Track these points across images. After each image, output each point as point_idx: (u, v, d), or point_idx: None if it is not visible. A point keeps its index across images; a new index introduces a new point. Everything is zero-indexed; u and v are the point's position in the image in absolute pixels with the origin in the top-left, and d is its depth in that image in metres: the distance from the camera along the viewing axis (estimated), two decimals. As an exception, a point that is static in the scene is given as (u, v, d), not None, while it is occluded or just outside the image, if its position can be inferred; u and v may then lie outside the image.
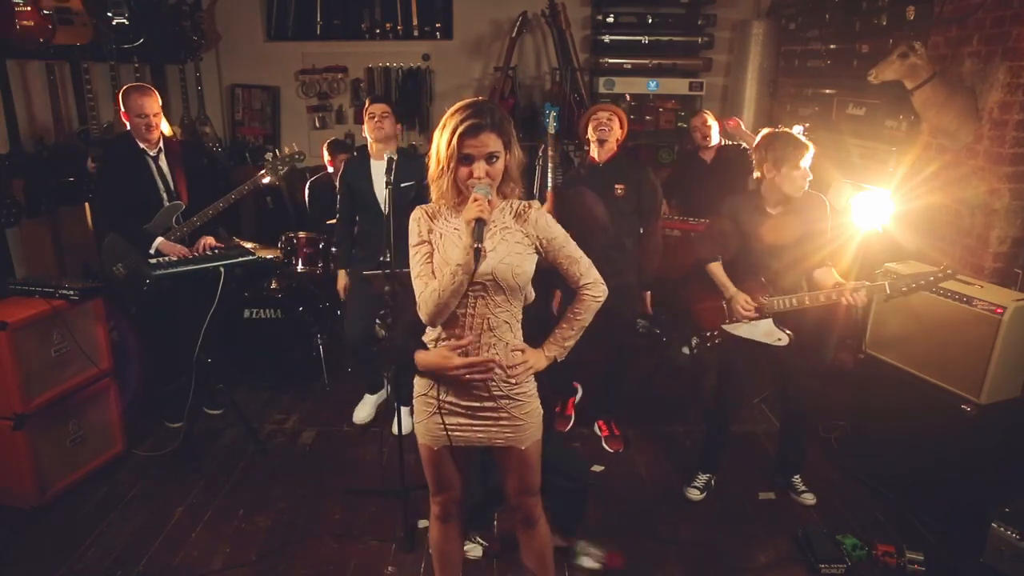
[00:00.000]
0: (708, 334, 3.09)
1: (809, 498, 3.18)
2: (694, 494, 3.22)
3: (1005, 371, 2.78)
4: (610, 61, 5.65)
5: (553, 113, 4.23)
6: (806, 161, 2.75)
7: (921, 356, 3.04)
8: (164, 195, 3.52)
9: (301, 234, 4.31)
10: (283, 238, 4.32)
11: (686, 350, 4.53)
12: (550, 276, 2.12)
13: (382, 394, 3.95)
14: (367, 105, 3.53)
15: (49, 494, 3.08)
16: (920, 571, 2.73)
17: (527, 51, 5.91)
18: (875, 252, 3.72)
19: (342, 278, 3.79)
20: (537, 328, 2.08)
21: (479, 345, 1.95)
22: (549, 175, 3.91)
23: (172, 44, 5.27)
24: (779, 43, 5.49)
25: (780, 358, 3.01)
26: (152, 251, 3.42)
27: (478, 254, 1.78)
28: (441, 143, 1.86)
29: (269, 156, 3.73)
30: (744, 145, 4.41)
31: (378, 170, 3.45)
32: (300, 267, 4.28)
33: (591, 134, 3.46)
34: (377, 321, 3.92)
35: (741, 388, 3.29)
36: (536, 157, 4.96)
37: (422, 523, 2.92)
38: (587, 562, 2.71)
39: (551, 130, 4.00)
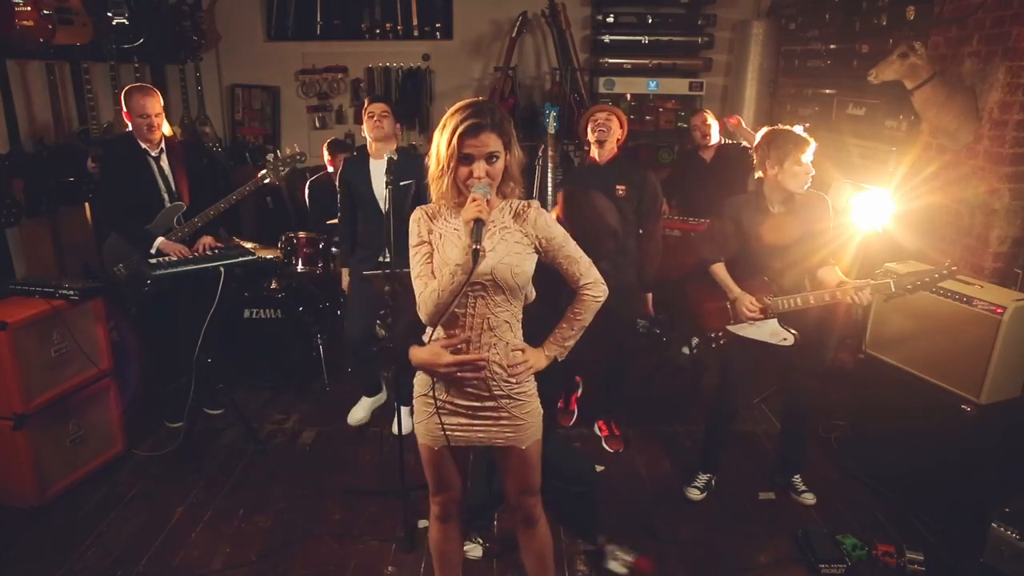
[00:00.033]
0: (713, 335, 3.08)
1: (809, 498, 3.18)
2: (694, 494, 3.22)
3: (1005, 371, 2.78)
4: (610, 61, 5.66)
5: (553, 113, 4.24)
6: (808, 156, 2.74)
7: (921, 356, 3.04)
8: (165, 196, 3.52)
9: (301, 234, 4.30)
10: (283, 238, 4.32)
11: (686, 350, 4.53)
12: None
13: (379, 398, 3.95)
14: (366, 104, 3.53)
15: (49, 494, 3.08)
16: (920, 571, 2.73)
17: (527, 51, 5.91)
18: (875, 252, 3.72)
19: (346, 276, 3.80)
20: (537, 328, 2.08)
21: (479, 345, 1.95)
22: (549, 175, 3.92)
23: (172, 44, 5.27)
24: (779, 43, 5.49)
25: (783, 358, 3.00)
26: (153, 251, 3.43)
27: (476, 255, 1.78)
28: (441, 143, 1.86)
29: (270, 157, 3.73)
30: (744, 143, 4.41)
31: (377, 169, 3.46)
32: (300, 267, 4.28)
33: (590, 135, 3.46)
34: (377, 321, 3.92)
35: (743, 389, 3.28)
36: (536, 157, 4.96)
37: (422, 523, 2.92)
38: (616, 567, 2.71)
39: (551, 130, 4.01)
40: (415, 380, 2.09)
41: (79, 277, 4.15)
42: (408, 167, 3.33)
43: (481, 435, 2.04)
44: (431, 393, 2.01)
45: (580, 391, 4.02)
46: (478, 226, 1.78)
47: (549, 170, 4.09)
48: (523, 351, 2.01)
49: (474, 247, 1.77)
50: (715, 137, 4.44)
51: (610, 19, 5.54)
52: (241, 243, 4.00)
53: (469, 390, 1.99)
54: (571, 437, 3.75)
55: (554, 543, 2.32)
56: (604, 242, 2.86)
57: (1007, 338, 2.71)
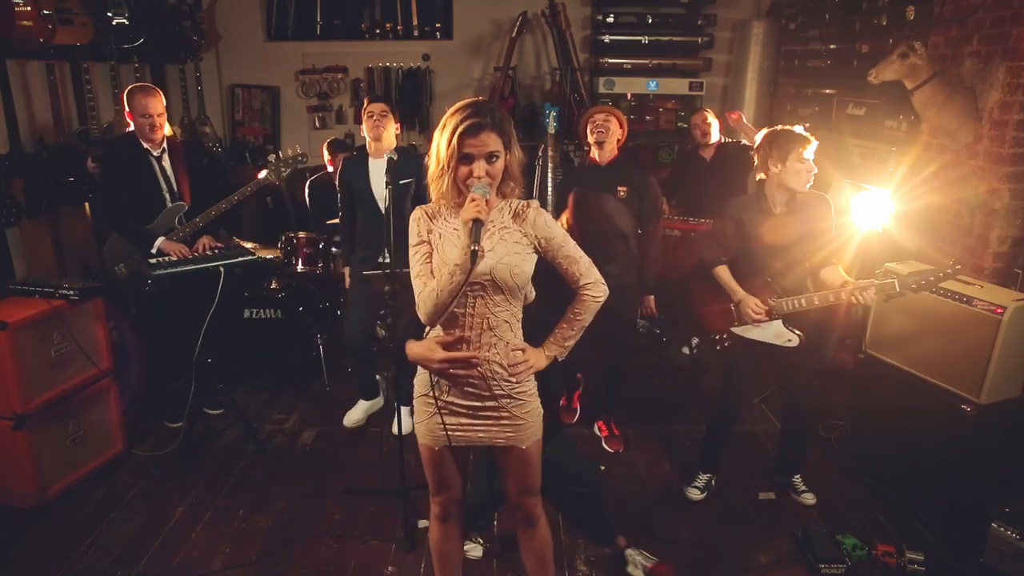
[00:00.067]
0: (717, 338, 3.07)
1: (809, 498, 3.18)
2: (694, 494, 3.22)
3: (1005, 371, 2.78)
4: (610, 61, 5.66)
5: (553, 113, 4.24)
6: (810, 153, 2.74)
7: (921, 356, 3.04)
8: (167, 196, 3.53)
9: (301, 234, 4.31)
10: (283, 238, 4.32)
11: (686, 350, 4.53)
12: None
13: (377, 402, 3.93)
14: (366, 104, 3.53)
15: (49, 494, 3.08)
16: (920, 571, 2.73)
17: (527, 51, 5.91)
18: (875, 252, 3.72)
19: (348, 276, 3.80)
20: (537, 328, 2.08)
21: (479, 344, 1.95)
22: (549, 175, 3.92)
23: (172, 44, 5.27)
24: (779, 43, 5.49)
25: (785, 359, 3.00)
26: (153, 251, 3.43)
27: (475, 255, 1.77)
28: (441, 142, 1.86)
29: (272, 158, 3.73)
30: (744, 141, 4.41)
31: (376, 169, 3.45)
32: (300, 267, 4.28)
33: (589, 136, 3.46)
34: (377, 321, 3.92)
35: (745, 389, 3.28)
36: (536, 157, 4.97)
37: (422, 523, 2.92)
38: (635, 571, 2.70)
39: (551, 130, 4.01)
40: (415, 380, 2.09)
41: (79, 277, 4.15)
42: (407, 165, 3.33)
43: (482, 435, 2.04)
44: (432, 393, 2.01)
45: (582, 388, 4.02)
46: (477, 226, 1.78)
47: (549, 170, 4.09)
48: (523, 351, 2.01)
49: (473, 247, 1.77)
50: (715, 136, 4.44)
51: (610, 19, 5.54)
52: (241, 243, 4.00)
53: (469, 390, 1.99)
54: (571, 437, 3.74)
55: (554, 543, 2.32)
56: (614, 245, 2.85)
57: (1007, 338, 2.71)
